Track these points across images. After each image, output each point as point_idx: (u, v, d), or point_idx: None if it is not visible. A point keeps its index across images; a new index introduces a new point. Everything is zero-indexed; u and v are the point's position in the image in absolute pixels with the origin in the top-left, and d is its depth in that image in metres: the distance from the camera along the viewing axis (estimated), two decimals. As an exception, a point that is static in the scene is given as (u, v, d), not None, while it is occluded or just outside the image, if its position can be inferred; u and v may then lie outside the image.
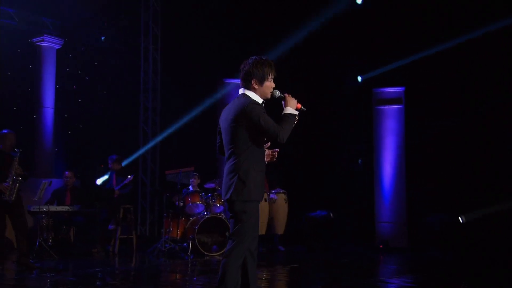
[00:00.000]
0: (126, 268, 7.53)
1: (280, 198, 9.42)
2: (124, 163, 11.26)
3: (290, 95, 3.71)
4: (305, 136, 11.34)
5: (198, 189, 9.25)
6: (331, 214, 9.77)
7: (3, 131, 7.56)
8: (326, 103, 11.28)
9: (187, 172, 8.92)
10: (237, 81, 10.81)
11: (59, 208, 8.35)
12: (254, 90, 3.68)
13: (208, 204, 8.82)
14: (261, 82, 3.67)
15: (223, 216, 8.87)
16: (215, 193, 8.91)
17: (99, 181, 10.14)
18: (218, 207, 8.85)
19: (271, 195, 9.40)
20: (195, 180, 9.32)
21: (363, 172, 10.69)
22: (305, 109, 3.71)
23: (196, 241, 8.31)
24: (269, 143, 3.96)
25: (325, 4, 10.40)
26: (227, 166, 3.65)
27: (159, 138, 11.62)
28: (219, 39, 11.19)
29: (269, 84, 3.70)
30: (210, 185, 9.08)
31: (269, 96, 3.72)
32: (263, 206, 9.26)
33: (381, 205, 10.07)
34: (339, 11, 10.36)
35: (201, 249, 8.32)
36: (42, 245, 7.88)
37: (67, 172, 9.09)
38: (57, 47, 11.33)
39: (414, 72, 10.14)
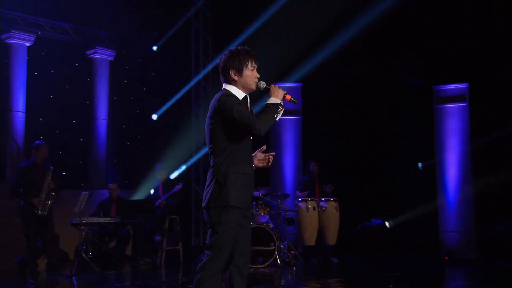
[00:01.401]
0: (171, 280, 7.30)
1: (330, 206, 8.74)
2: (177, 172, 11.12)
3: (276, 86, 3.32)
4: (359, 139, 10.62)
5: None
6: (386, 223, 8.96)
7: (37, 142, 7.53)
8: (381, 103, 10.48)
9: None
10: (287, 84, 10.49)
11: (101, 220, 8.17)
12: (234, 83, 3.36)
13: (252, 214, 8.32)
14: (239, 71, 3.33)
15: (269, 225, 8.37)
16: (259, 202, 8.40)
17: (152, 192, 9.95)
18: (263, 216, 8.35)
19: (321, 203, 8.75)
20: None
21: (424, 177, 9.77)
22: (296, 100, 3.38)
23: (239, 253, 7.82)
24: (264, 147, 3.54)
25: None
26: (209, 171, 3.31)
27: (211, 146, 11.24)
28: (268, 43, 10.74)
29: (250, 73, 3.34)
30: (255, 193, 8.56)
31: (253, 87, 3.36)
32: (312, 215, 8.65)
33: (445, 213, 9.16)
34: (395, 4, 9.59)
35: (244, 261, 7.82)
36: (83, 257, 7.70)
37: (111, 184, 8.99)
38: (109, 59, 11.35)
39: (479, 66, 9.17)
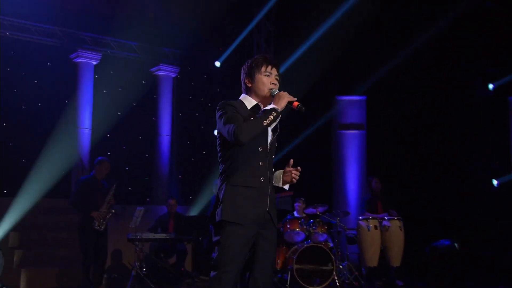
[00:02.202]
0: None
1: (394, 225, 8.19)
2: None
3: (283, 93, 3.07)
4: (426, 153, 9.98)
5: (303, 215, 8.48)
6: (456, 245, 8.27)
7: (99, 158, 7.59)
8: (452, 114, 9.81)
9: (286, 197, 8.18)
10: (350, 97, 10.08)
11: (156, 236, 8.11)
12: (248, 91, 3.21)
13: (309, 232, 7.97)
14: (251, 77, 3.17)
15: (328, 245, 7.98)
16: (317, 220, 8.03)
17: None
18: (321, 235, 7.97)
19: (384, 222, 8.23)
20: (301, 205, 8.55)
21: (500, 194, 8.98)
22: (303, 108, 3.03)
23: (295, 272, 7.50)
24: (292, 161, 3.27)
25: (450, 5, 9.09)
26: None
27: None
28: (329, 56, 10.42)
29: (263, 78, 3.15)
30: (311, 210, 8.22)
31: (265, 93, 3.15)
32: (374, 234, 8.14)
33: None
34: (466, 11, 8.99)
35: (300, 281, 7.48)
36: (138, 273, 7.65)
37: (170, 200, 8.95)
38: (173, 75, 11.45)
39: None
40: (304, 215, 8.51)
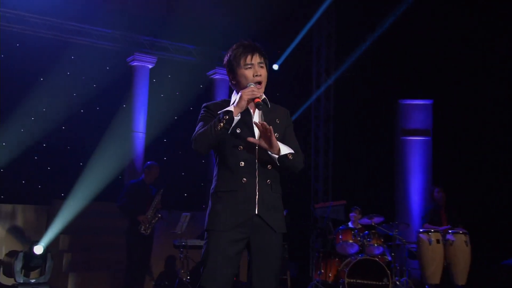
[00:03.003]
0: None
1: (459, 239, 7.52)
2: (295, 197, 10.58)
3: (246, 89, 2.81)
4: (498, 162, 9.16)
5: (359, 226, 7.98)
6: (530, 263, 7.47)
7: (148, 163, 7.52)
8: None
9: (338, 206, 7.72)
10: (415, 101, 9.47)
11: (197, 243, 7.87)
12: (235, 88, 2.99)
13: (363, 244, 7.46)
14: (233, 73, 2.93)
15: (385, 259, 7.44)
16: (372, 232, 7.51)
17: None
18: (377, 247, 7.45)
19: (448, 236, 7.57)
20: (356, 215, 8.05)
21: None
22: (261, 106, 2.80)
23: (346, 286, 7.04)
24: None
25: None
26: None
27: (331, 169, 10.56)
28: (392, 59, 9.88)
29: (245, 72, 2.88)
30: (366, 221, 7.70)
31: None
32: (436, 249, 7.51)
33: None
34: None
35: (352, 297, 7.00)
36: (182, 280, 7.45)
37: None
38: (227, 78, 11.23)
39: None
40: (359, 226, 8.01)
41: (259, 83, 2.89)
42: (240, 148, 2.84)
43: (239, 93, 2.80)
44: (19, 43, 10.13)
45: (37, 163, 10.28)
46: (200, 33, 11.01)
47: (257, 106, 2.79)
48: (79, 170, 9.93)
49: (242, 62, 2.87)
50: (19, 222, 8.86)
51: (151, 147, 10.36)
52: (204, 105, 2.98)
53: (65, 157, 10.31)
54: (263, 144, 2.80)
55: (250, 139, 2.81)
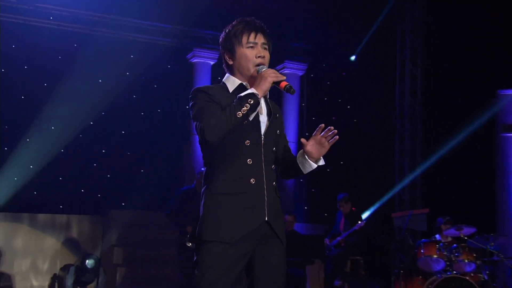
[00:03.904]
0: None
1: None
2: (378, 205, 10.04)
3: (269, 70, 2.65)
4: None
5: (448, 239, 7.32)
6: None
7: (202, 169, 7.28)
8: None
9: (419, 215, 7.11)
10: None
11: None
12: (231, 70, 2.81)
13: (450, 259, 6.80)
14: (231, 52, 2.76)
15: (480, 277, 6.76)
16: (462, 245, 6.83)
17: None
18: (468, 264, 6.78)
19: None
20: (445, 226, 7.38)
21: None
22: (292, 89, 2.60)
23: (432, 311, 6.44)
24: (322, 125, 2.74)
25: None
26: None
27: (418, 173, 9.87)
28: (490, 45, 9.11)
29: (246, 52, 2.72)
30: (453, 232, 7.01)
31: (251, 71, 2.72)
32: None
33: None
34: None
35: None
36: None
37: (286, 216, 8.34)
38: (300, 73, 10.95)
39: None
40: (449, 239, 7.34)
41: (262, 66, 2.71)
42: (247, 142, 2.63)
43: (260, 74, 2.61)
44: (76, 43, 10.35)
45: (95, 170, 10.43)
46: (267, 23, 10.73)
47: (287, 90, 2.58)
48: (137, 177, 9.96)
49: (244, 39, 2.71)
50: (74, 233, 8.99)
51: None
52: (197, 88, 2.73)
53: (123, 163, 10.38)
54: (312, 148, 2.65)
55: (303, 140, 2.68)
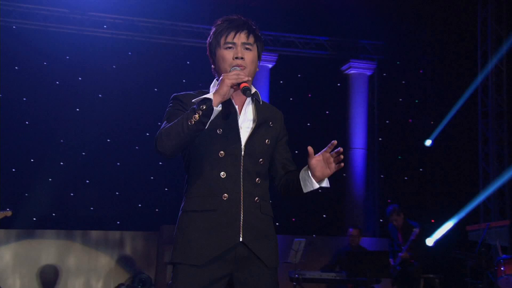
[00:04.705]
0: None
1: None
2: (459, 216, 9.36)
3: (233, 72, 2.43)
4: None
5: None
6: None
7: None
8: None
9: (499, 227, 6.48)
10: None
11: (323, 276, 7.17)
12: (216, 74, 2.66)
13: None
14: (212, 55, 2.61)
15: None
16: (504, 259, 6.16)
17: (429, 241, 8.58)
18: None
19: None
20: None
21: None
22: (248, 91, 2.40)
23: None
24: (335, 142, 2.50)
25: None
26: None
27: (505, 179, 9.11)
28: None
29: (224, 53, 2.55)
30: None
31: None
32: None
33: None
34: None
35: None
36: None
37: (351, 229, 7.97)
38: (368, 73, 10.47)
39: None
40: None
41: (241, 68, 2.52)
42: (221, 154, 2.48)
43: (221, 77, 2.43)
44: (130, 51, 10.40)
45: (152, 184, 10.40)
46: (331, 20, 10.38)
47: (244, 91, 2.40)
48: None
49: (222, 40, 2.55)
50: (128, 250, 8.96)
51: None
52: (174, 95, 2.60)
53: (180, 177, 10.28)
54: (317, 164, 2.47)
55: (310, 149, 2.48)
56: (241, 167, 2.49)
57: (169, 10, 9.82)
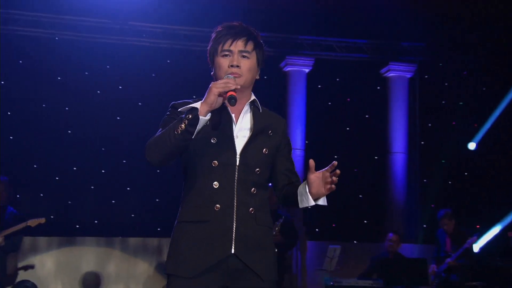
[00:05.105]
0: None
1: None
2: (506, 221, 9.15)
3: (221, 81, 2.42)
4: None
5: None
6: None
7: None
8: None
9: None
10: None
11: (360, 283, 7.07)
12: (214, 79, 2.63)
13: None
14: (212, 62, 2.62)
15: None
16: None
17: (475, 248, 8.38)
18: None
19: None
20: None
21: None
22: (233, 100, 2.36)
23: None
24: (335, 163, 2.44)
25: None
26: None
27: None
28: None
29: (220, 61, 2.55)
30: None
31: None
32: None
33: None
34: None
35: None
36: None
37: (391, 234, 7.86)
38: (408, 76, 10.34)
39: None
40: None
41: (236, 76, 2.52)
42: (214, 163, 2.47)
43: (212, 86, 2.41)
44: (169, 60, 10.53)
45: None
46: (369, 22, 10.27)
47: (229, 100, 2.37)
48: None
49: (220, 47, 2.55)
50: (166, 257, 9.02)
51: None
52: (171, 103, 2.63)
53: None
54: (315, 180, 2.42)
55: (311, 163, 2.42)
56: (236, 177, 2.48)
57: (208, 17, 9.89)
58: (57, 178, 10.10)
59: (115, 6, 9.49)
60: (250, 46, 2.55)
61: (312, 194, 2.47)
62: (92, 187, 10.17)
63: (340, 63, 10.44)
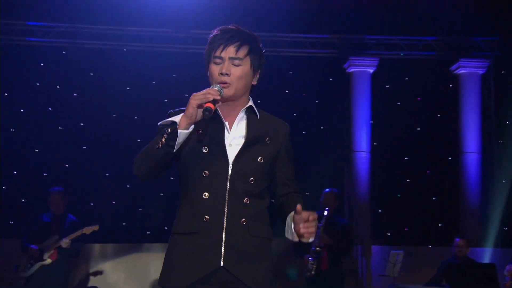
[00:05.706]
0: None
1: None
2: None
3: (201, 92, 2.32)
4: None
5: None
6: None
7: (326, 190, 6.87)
8: None
9: None
10: None
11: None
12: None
13: None
14: (206, 69, 2.52)
15: None
16: None
17: None
18: None
19: None
20: None
21: None
22: (207, 113, 2.27)
23: None
24: (299, 207, 2.33)
25: None
26: None
27: None
28: None
29: (212, 68, 2.46)
30: None
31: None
32: None
33: None
34: None
35: None
36: None
37: (457, 239, 7.56)
38: (481, 72, 9.95)
39: None
40: None
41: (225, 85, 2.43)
42: (205, 173, 2.41)
43: (193, 97, 2.33)
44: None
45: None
46: (440, 20, 9.97)
47: (203, 112, 2.28)
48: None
49: (212, 54, 2.45)
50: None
51: (378, 170, 9.81)
52: (169, 113, 2.52)
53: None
54: (300, 221, 2.30)
55: (299, 208, 2.29)
56: (227, 187, 2.40)
57: (269, 21, 9.91)
58: (128, 186, 10.39)
59: (177, 15, 9.68)
60: (242, 52, 2.44)
61: (297, 231, 2.36)
62: (162, 194, 10.39)
63: (406, 62, 10.20)
